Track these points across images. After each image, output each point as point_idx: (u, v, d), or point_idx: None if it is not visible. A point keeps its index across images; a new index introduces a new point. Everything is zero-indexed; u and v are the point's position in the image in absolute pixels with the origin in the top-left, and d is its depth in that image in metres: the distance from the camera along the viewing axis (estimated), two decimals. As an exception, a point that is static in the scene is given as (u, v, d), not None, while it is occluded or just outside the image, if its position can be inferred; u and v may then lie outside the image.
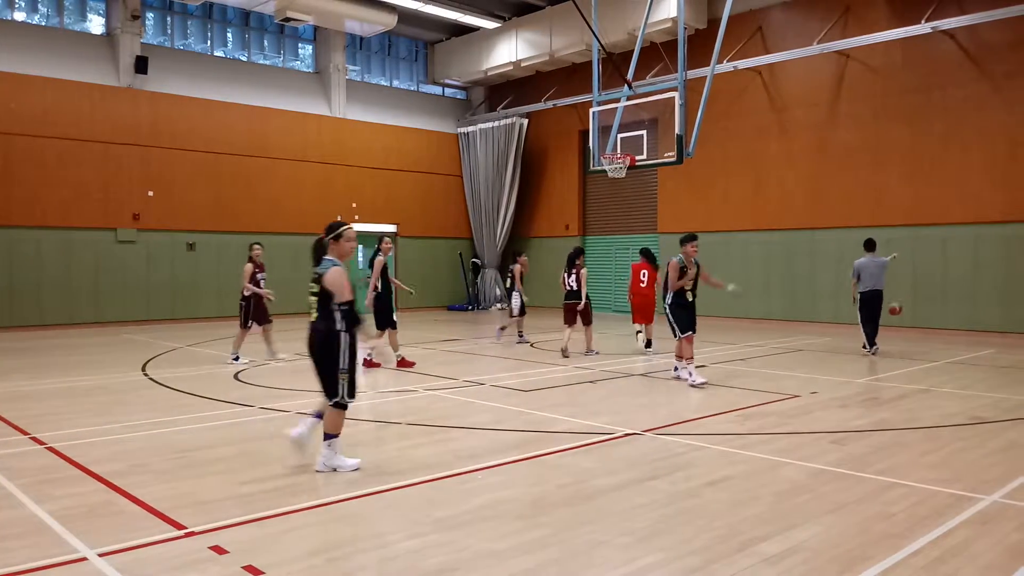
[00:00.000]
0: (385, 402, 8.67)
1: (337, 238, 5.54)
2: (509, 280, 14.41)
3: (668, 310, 9.75)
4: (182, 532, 4.27)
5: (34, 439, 6.58)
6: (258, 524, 4.42)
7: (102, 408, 8.06)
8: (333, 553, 3.98)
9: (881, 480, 5.30)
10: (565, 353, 12.17)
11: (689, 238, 9.71)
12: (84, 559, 3.90)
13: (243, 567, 3.78)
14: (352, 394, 5.54)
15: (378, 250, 11.07)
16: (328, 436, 5.53)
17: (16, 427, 7.04)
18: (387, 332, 11.05)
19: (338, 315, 5.45)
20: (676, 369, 9.94)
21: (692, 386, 9.29)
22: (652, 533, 4.30)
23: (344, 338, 5.46)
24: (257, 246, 11.94)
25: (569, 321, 12.44)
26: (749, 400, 8.40)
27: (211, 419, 7.44)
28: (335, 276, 5.41)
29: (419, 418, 7.60)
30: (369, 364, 10.84)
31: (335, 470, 5.52)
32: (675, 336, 9.71)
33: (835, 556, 3.94)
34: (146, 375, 10.40)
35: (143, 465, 5.72)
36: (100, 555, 3.93)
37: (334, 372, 5.46)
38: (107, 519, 4.53)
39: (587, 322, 12.57)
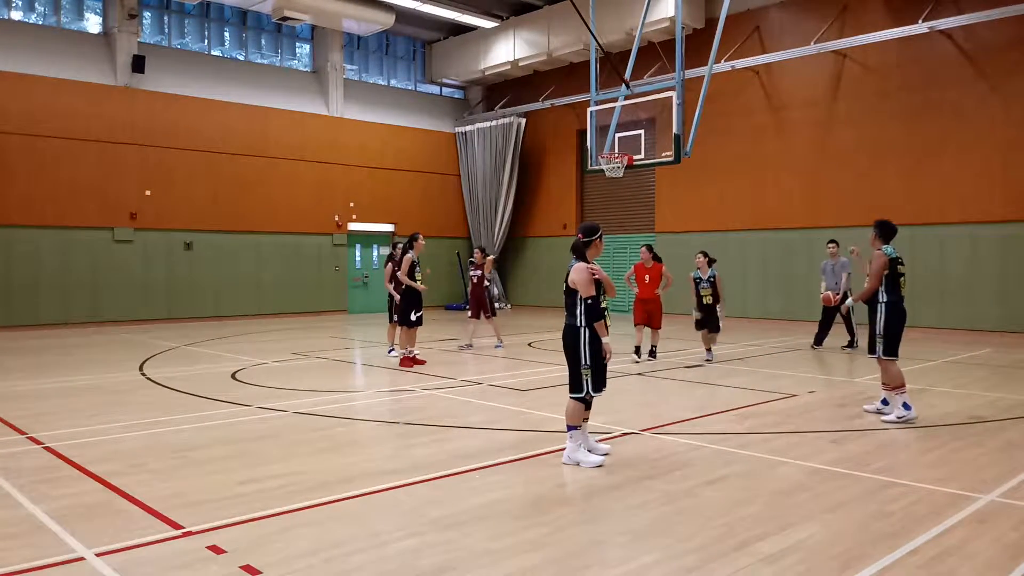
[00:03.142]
0: (383, 402, 8.68)
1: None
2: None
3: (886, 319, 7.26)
4: (180, 532, 4.26)
5: (31, 439, 6.57)
6: (255, 524, 4.41)
7: (99, 407, 8.05)
8: (330, 553, 3.98)
9: (879, 479, 5.31)
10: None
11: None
12: (82, 559, 3.89)
13: (240, 567, 3.78)
14: (597, 389, 5.70)
15: (409, 247, 11.36)
16: (569, 427, 5.69)
17: (13, 427, 7.03)
18: (397, 327, 11.49)
19: (581, 311, 5.66)
20: (886, 403, 7.43)
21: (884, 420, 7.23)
22: (650, 532, 4.30)
23: (585, 333, 5.64)
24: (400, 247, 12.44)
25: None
26: (747, 399, 8.41)
27: (209, 419, 7.43)
28: (577, 273, 5.66)
29: (417, 418, 7.60)
30: (408, 362, 11.07)
31: (578, 464, 5.63)
32: (882, 356, 7.28)
33: (833, 555, 3.94)
34: (143, 375, 10.38)
35: (141, 465, 5.71)
36: (97, 555, 3.92)
37: (577, 366, 5.69)
38: (105, 519, 4.52)
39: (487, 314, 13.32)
